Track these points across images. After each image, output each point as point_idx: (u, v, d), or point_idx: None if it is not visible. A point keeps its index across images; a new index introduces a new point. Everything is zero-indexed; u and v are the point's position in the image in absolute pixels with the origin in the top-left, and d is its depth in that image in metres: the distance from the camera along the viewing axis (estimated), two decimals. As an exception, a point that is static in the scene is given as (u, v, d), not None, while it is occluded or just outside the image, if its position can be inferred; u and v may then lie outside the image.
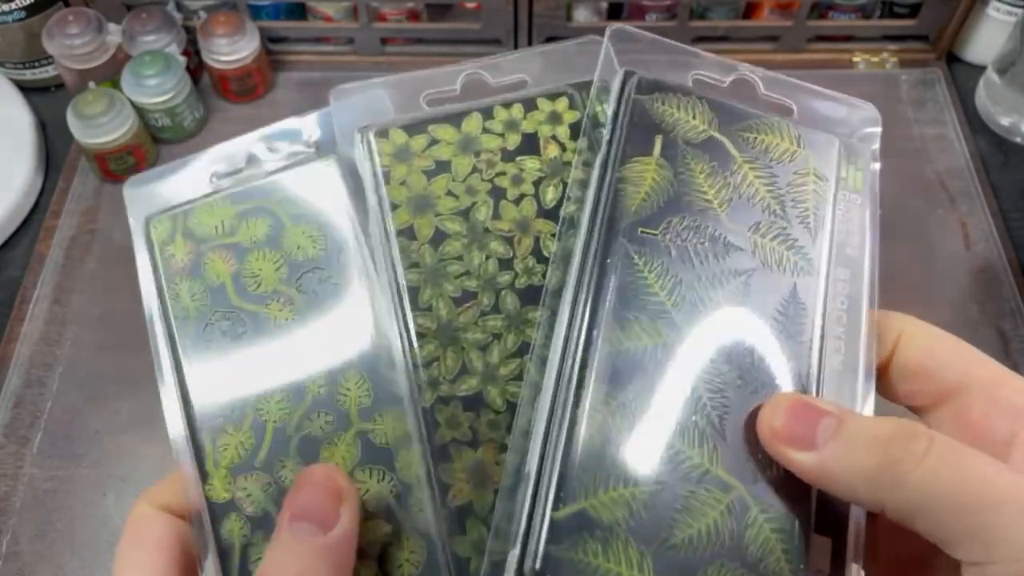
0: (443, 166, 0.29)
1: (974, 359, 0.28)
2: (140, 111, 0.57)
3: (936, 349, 0.28)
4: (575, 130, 0.29)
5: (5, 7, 0.58)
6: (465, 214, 0.29)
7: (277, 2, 0.64)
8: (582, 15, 0.65)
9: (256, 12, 0.64)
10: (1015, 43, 0.59)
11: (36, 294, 0.53)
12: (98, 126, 0.55)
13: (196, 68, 0.63)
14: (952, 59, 0.67)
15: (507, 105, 0.29)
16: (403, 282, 0.28)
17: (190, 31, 0.62)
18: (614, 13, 0.66)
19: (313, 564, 0.23)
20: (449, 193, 0.29)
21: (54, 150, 0.61)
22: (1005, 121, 0.62)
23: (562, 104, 0.30)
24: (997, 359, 0.50)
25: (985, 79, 0.63)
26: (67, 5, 0.60)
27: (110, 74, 0.59)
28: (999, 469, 0.22)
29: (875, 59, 0.66)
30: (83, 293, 0.53)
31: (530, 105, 0.29)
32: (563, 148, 0.29)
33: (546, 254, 0.28)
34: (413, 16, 0.65)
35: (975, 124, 0.63)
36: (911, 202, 0.58)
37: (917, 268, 0.55)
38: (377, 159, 0.29)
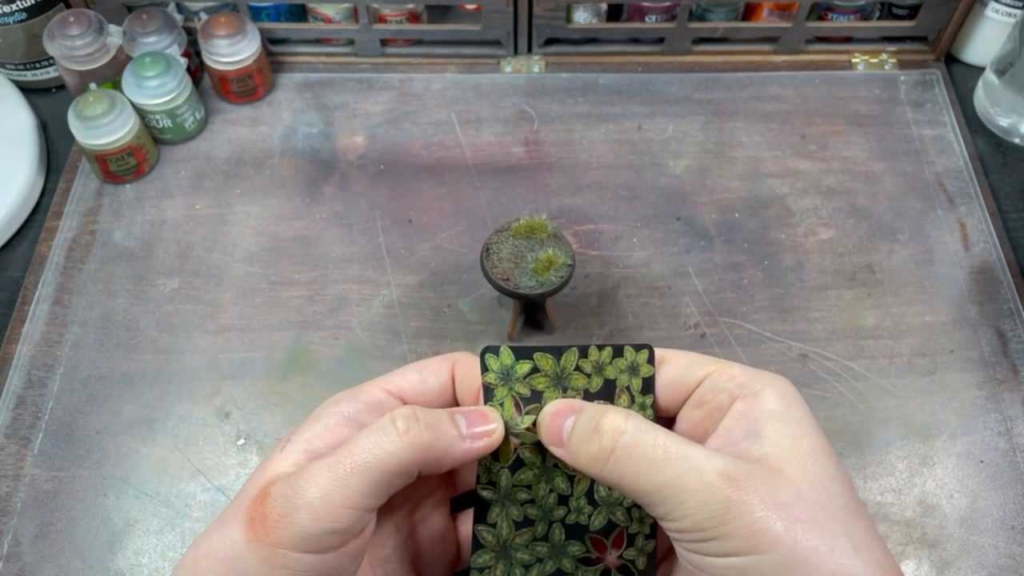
0: (536, 396, 0.33)
1: (701, 361, 0.34)
2: (141, 112, 0.58)
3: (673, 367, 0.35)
4: (648, 385, 0.34)
5: (6, 8, 0.58)
6: (541, 447, 0.33)
7: (278, 3, 0.64)
8: (582, 17, 0.65)
9: (256, 13, 0.64)
10: (1014, 44, 0.59)
11: (37, 295, 0.53)
12: (99, 127, 0.55)
13: (197, 69, 0.63)
14: (951, 60, 0.67)
15: (600, 347, 0.34)
16: (479, 493, 0.34)
17: (191, 32, 0.62)
18: (614, 15, 0.67)
19: (439, 437, 0.31)
20: (534, 426, 0.33)
21: (55, 151, 0.61)
22: (1004, 122, 0.62)
23: (643, 357, 0.34)
24: (996, 359, 0.50)
25: (984, 80, 0.64)
26: (68, 6, 0.61)
27: (111, 75, 0.59)
28: (673, 440, 0.29)
29: (874, 60, 0.66)
30: (84, 294, 0.53)
31: (618, 352, 0.34)
32: (632, 400, 0.34)
33: (597, 498, 0.34)
34: (413, 18, 0.65)
35: (974, 125, 0.63)
36: (910, 202, 0.58)
37: (916, 268, 0.55)
38: (484, 375, 0.33)
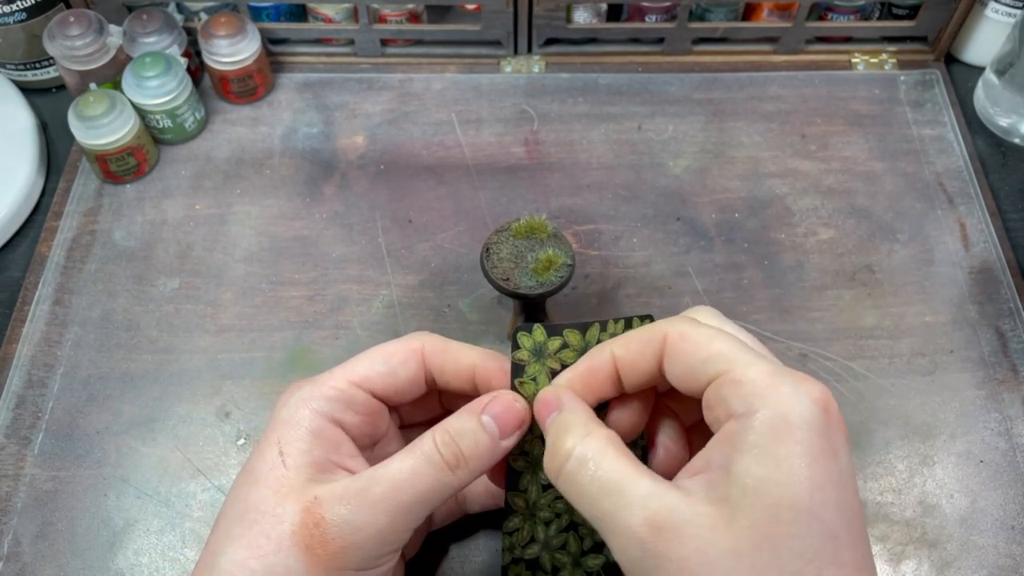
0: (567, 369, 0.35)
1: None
2: (141, 112, 0.58)
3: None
4: None
5: (6, 8, 0.58)
6: None
7: (278, 3, 0.64)
8: (582, 17, 0.65)
9: (257, 14, 0.64)
10: (1013, 44, 0.59)
11: (37, 295, 0.53)
12: (99, 127, 0.55)
13: (197, 69, 0.63)
14: (951, 60, 0.67)
15: (616, 321, 0.36)
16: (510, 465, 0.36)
17: (191, 32, 0.62)
18: (614, 15, 0.67)
19: (483, 454, 0.33)
20: None
21: (55, 151, 0.61)
22: (1004, 122, 0.62)
23: (647, 324, 0.36)
24: (996, 359, 0.50)
25: (984, 80, 0.64)
26: (68, 6, 0.61)
27: (111, 75, 0.59)
28: (616, 472, 0.29)
29: (874, 60, 0.66)
30: (84, 294, 0.53)
31: (628, 323, 0.36)
32: None
33: None
34: (413, 18, 0.65)
35: (974, 125, 0.63)
36: (910, 203, 0.58)
37: (915, 268, 0.55)
38: (516, 353, 0.36)
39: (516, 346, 0.36)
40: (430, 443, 0.32)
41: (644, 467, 0.29)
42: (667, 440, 0.35)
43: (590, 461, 0.29)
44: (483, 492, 0.41)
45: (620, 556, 0.28)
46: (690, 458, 0.35)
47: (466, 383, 0.36)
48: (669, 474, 0.34)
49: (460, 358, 0.36)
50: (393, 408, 0.37)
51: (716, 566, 0.26)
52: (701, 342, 0.30)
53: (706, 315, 0.34)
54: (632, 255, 0.55)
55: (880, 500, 0.46)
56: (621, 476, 0.28)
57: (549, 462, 0.31)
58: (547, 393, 0.33)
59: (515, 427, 0.34)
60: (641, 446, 0.37)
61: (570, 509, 0.36)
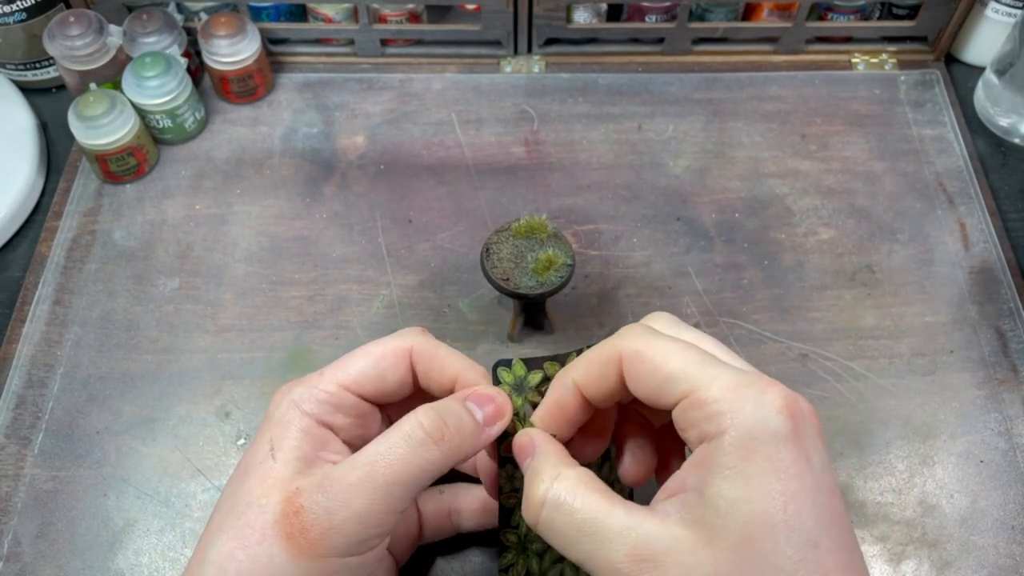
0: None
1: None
2: (141, 112, 0.58)
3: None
4: None
5: (6, 8, 0.58)
6: None
7: (278, 3, 0.64)
8: (582, 17, 0.65)
9: (257, 14, 0.64)
10: (1013, 44, 0.59)
11: (37, 295, 0.53)
12: (99, 127, 0.55)
13: (197, 69, 0.63)
14: (951, 60, 0.67)
15: (578, 351, 0.35)
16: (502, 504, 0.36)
17: (191, 32, 0.62)
18: (614, 15, 0.67)
19: (468, 434, 0.33)
20: None
21: (55, 151, 0.61)
22: (1004, 122, 0.62)
23: None
24: (996, 359, 0.50)
25: (984, 80, 0.64)
26: (68, 6, 0.61)
27: (111, 75, 0.59)
28: (593, 510, 0.29)
29: (874, 60, 0.66)
30: (84, 294, 0.53)
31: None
32: None
33: None
34: (413, 18, 0.65)
35: (974, 125, 0.63)
36: (910, 203, 0.58)
37: (916, 269, 0.55)
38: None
39: (496, 381, 0.35)
40: (410, 422, 0.32)
41: (618, 498, 0.29)
42: (635, 447, 0.35)
43: (563, 505, 0.29)
44: (478, 509, 0.41)
45: None
46: (659, 460, 0.35)
47: (446, 392, 0.36)
48: (639, 479, 0.35)
49: (445, 365, 0.36)
50: (383, 408, 0.38)
51: None
52: (657, 361, 0.30)
53: (662, 322, 0.33)
54: (632, 255, 0.55)
55: (880, 500, 0.46)
56: (596, 515, 0.28)
57: (526, 512, 0.31)
58: (521, 438, 0.33)
59: (497, 416, 0.34)
60: (611, 456, 0.37)
61: None
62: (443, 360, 0.36)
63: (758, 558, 0.26)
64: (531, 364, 0.36)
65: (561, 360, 0.35)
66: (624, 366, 0.31)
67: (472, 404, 0.34)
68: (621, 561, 0.27)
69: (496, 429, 0.34)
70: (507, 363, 0.36)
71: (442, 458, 0.32)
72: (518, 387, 0.35)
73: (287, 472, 0.32)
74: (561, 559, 0.36)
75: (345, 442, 0.35)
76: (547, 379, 0.35)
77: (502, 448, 0.35)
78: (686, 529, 0.27)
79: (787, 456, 0.27)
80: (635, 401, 0.36)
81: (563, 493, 0.29)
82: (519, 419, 0.35)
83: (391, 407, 0.38)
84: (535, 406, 0.35)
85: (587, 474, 0.31)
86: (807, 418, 0.28)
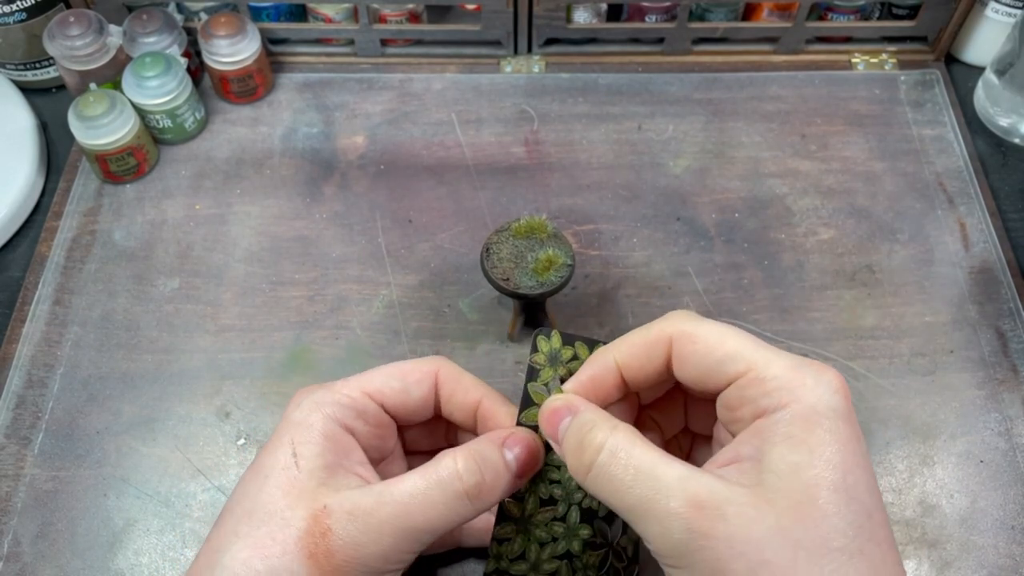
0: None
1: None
2: (141, 112, 0.58)
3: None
4: None
5: (6, 8, 0.58)
6: None
7: (278, 3, 0.64)
8: (582, 17, 0.65)
9: (257, 14, 0.64)
10: (1013, 44, 0.59)
11: (37, 295, 0.53)
12: (99, 127, 0.55)
13: (197, 69, 0.63)
14: (951, 60, 0.67)
15: (605, 342, 0.35)
16: None
17: (191, 32, 0.62)
18: (614, 15, 0.67)
19: (502, 489, 0.33)
20: None
21: (55, 151, 0.61)
22: (1004, 122, 0.62)
23: None
24: (996, 359, 0.50)
25: (984, 80, 0.64)
26: (68, 6, 0.61)
27: (111, 75, 0.59)
28: (649, 460, 0.29)
29: (874, 60, 0.66)
30: (84, 294, 0.53)
31: None
32: None
33: None
34: (413, 18, 0.65)
35: (974, 125, 0.63)
36: (910, 203, 0.58)
37: (916, 268, 0.55)
38: (534, 356, 0.36)
39: (535, 348, 0.36)
40: (449, 469, 0.32)
41: (672, 456, 0.30)
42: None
43: (621, 451, 0.29)
44: (484, 529, 0.40)
45: (660, 542, 0.28)
46: None
47: (468, 417, 0.36)
48: None
49: (469, 391, 0.36)
50: (400, 429, 0.37)
51: (761, 543, 0.26)
52: (712, 342, 0.31)
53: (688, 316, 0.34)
54: (632, 255, 0.55)
55: (880, 500, 0.46)
56: (655, 463, 0.29)
57: (577, 460, 0.31)
58: (556, 401, 0.33)
59: (533, 468, 0.34)
60: None
61: (568, 536, 0.36)
62: (467, 385, 0.36)
63: (822, 519, 0.26)
64: (566, 339, 0.36)
65: (590, 344, 0.36)
66: (674, 347, 0.32)
67: (511, 454, 0.33)
68: (680, 506, 0.27)
69: (525, 480, 0.34)
70: (547, 332, 0.36)
71: (474, 512, 0.32)
72: (552, 359, 0.36)
73: (312, 483, 0.32)
74: (563, 556, 0.36)
75: (364, 451, 0.35)
76: (576, 357, 0.36)
77: None
78: (746, 488, 0.28)
79: (845, 431, 0.28)
80: (652, 407, 0.37)
81: (621, 440, 0.29)
82: (547, 391, 0.36)
83: (408, 429, 0.38)
84: (562, 381, 0.35)
85: (639, 432, 0.31)
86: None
